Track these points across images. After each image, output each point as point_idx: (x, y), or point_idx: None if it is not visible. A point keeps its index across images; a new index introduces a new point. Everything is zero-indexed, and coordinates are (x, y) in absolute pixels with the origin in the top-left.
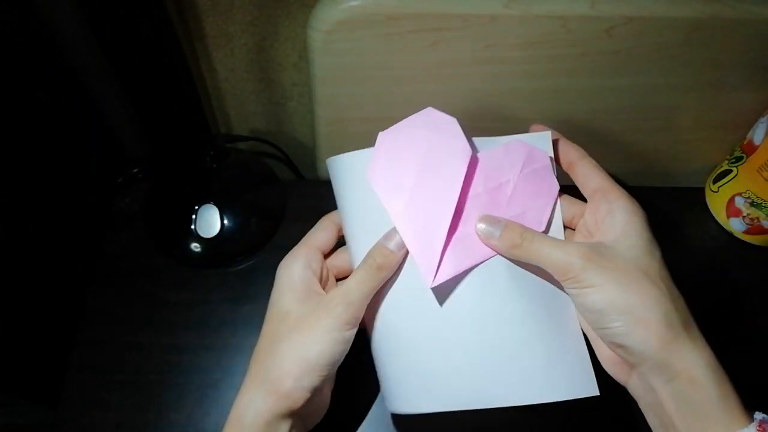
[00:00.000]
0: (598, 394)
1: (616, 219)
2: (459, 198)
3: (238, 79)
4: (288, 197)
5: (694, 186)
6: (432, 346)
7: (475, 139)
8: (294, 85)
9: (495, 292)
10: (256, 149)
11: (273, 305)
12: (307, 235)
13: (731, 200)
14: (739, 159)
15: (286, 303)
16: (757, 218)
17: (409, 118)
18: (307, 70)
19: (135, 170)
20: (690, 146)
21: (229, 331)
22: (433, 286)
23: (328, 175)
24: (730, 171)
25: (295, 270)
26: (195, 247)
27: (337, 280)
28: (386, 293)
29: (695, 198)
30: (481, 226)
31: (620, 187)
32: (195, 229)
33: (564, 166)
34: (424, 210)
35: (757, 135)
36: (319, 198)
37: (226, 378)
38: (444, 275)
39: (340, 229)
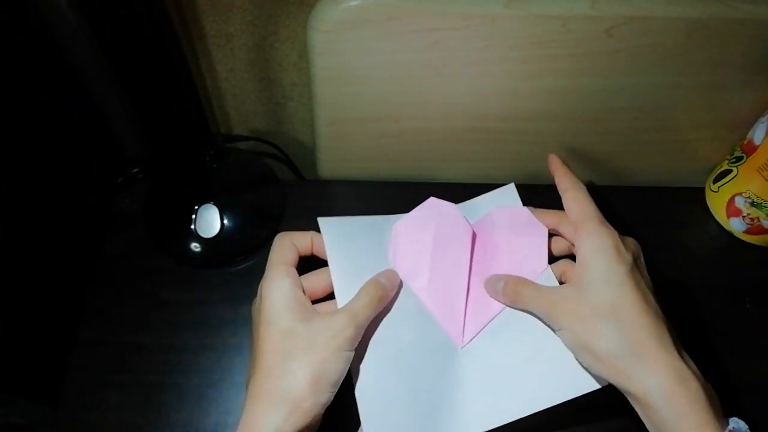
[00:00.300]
0: (599, 386)
1: (580, 256)
2: (469, 268)
3: (238, 78)
4: (288, 197)
5: (694, 186)
6: (444, 379)
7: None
8: (294, 85)
9: (498, 324)
10: (256, 149)
11: (271, 323)
12: (276, 255)
13: (731, 200)
14: (739, 159)
15: (286, 321)
16: (758, 218)
17: (417, 209)
18: (307, 69)
19: (135, 170)
20: (690, 146)
21: (229, 331)
22: (462, 346)
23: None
24: (731, 171)
25: (288, 289)
26: (195, 247)
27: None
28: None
29: (695, 198)
30: (488, 285)
31: (589, 221)
32: (195, 229)
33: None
34: (444, 284)
35: (757, 135)
36: (319, 198)
37: (226, 378)
38: (469, 335)
39: (299, 249)
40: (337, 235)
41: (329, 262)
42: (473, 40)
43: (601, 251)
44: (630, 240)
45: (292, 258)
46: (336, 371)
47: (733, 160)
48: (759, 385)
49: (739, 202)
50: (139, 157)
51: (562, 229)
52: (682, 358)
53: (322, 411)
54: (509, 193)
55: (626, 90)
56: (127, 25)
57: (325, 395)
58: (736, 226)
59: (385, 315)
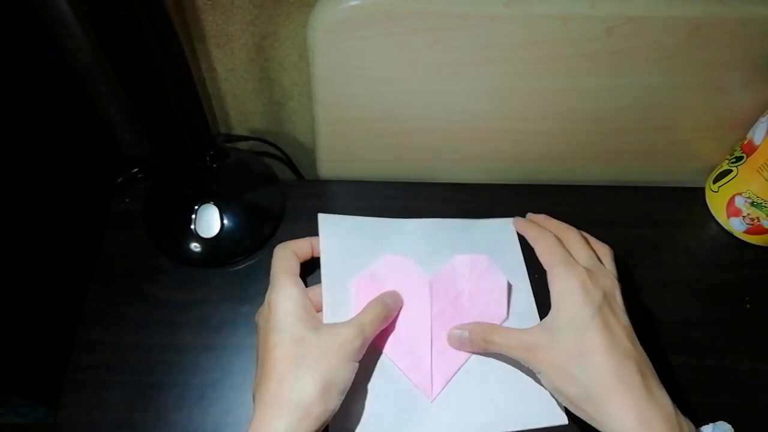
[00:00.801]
0: (566, 422)
1: (552, 300)
2: (430, 320)
3: (238, 78)
4: (288, 197)
5: (695, 186)
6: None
7: (452, 221)
8: (294, 85)
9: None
10: (256, 149)
11: (282, 331)
12: (280, 266)
13: (731, 200)
14: (739, 159)
15: (297, 330)
16: (758, 218)
17: (375, 265)
18: (307, 69)
19: (135, 170)
20: (690, 146)
21: (229, 331)
22: (432, 400)
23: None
24: (731, 171)
25: (297, 298)
26: (195, 247)
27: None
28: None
29: (695, 198)
30: (452, 338)
31: (556, 265)
32: (195, 229)
33: None
34: (407, 338)
35: (757, 135)
36: (319, 198)
37: (226, 378)
38: (438, 387)
39: (299, 257)
40: (333, 233)
41: (321, 258)
42: (473, 39)
43: (567, 294)
44: (605, 274)
45: (295, 267)
46: (344, 380)
47: (734, 160)
48: (759, 385)
49: (739, 202)
50: (139, 157)
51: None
52: (652, 396)
53: (330, 418)
54: (506, 226)
55: (626, 90)
56: (126, 25)
57: (334, 402)
58: (736, 226)
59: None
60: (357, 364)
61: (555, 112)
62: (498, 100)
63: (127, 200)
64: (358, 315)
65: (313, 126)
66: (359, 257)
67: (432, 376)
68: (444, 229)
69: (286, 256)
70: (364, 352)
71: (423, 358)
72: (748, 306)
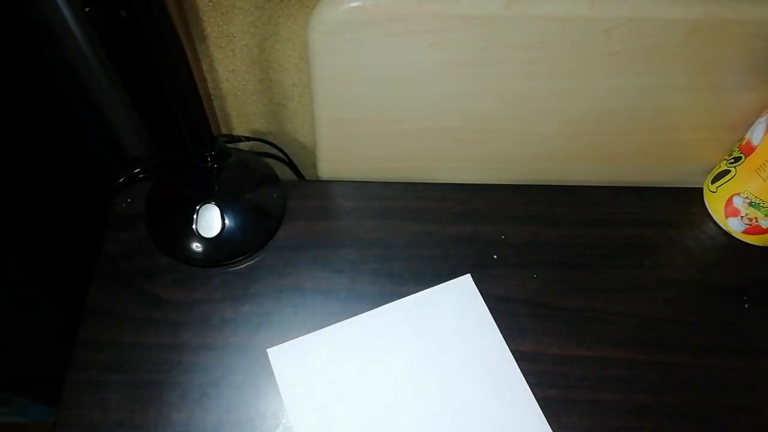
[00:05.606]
0: None
1: None
2: None
3: (238, 79)
4: (288, 197)
5: (693, 186)
6: None
7: (402, 301)
8: (294, 86)
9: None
10: (257, 149)
11: None
12: None
13: (730, 200)
14: (737, 159)
15: None
16: (756, 218)
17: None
18: (308, 70)
19: (136, 170)
20: (688, 146)
21: (230, 330)
22: None
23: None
24: (729, 171)
25: None
26: (196, 246)
27: None
28: None
29: (694, 198)
30: None
31: None
32: (196, 228)
33: None
34: None
35: (755, 135)
36: (319, 198)
37: (227, 377)
38: None
39: None
40: (288, 362)
41: (282, 395)
42: (473, 41)
43: None
44: None
45: None
46: None
47: (732, 160)
48: (757, 386)
49: (738, 202)
50: (141, 158)
51: None
52: None
53: None
54: (465, 284)
55: (625, 90)
56: (128, 26)
57: None
58: (734, 226)
59: None
60: None
61: (554, 112)
62: (498, 100)
63: (129, 200)
64: None
65: (314, 126)
66: (320, 378)
67: None
68: (399, 312)
69: None
70: None
71: None
72: (747, 306)
